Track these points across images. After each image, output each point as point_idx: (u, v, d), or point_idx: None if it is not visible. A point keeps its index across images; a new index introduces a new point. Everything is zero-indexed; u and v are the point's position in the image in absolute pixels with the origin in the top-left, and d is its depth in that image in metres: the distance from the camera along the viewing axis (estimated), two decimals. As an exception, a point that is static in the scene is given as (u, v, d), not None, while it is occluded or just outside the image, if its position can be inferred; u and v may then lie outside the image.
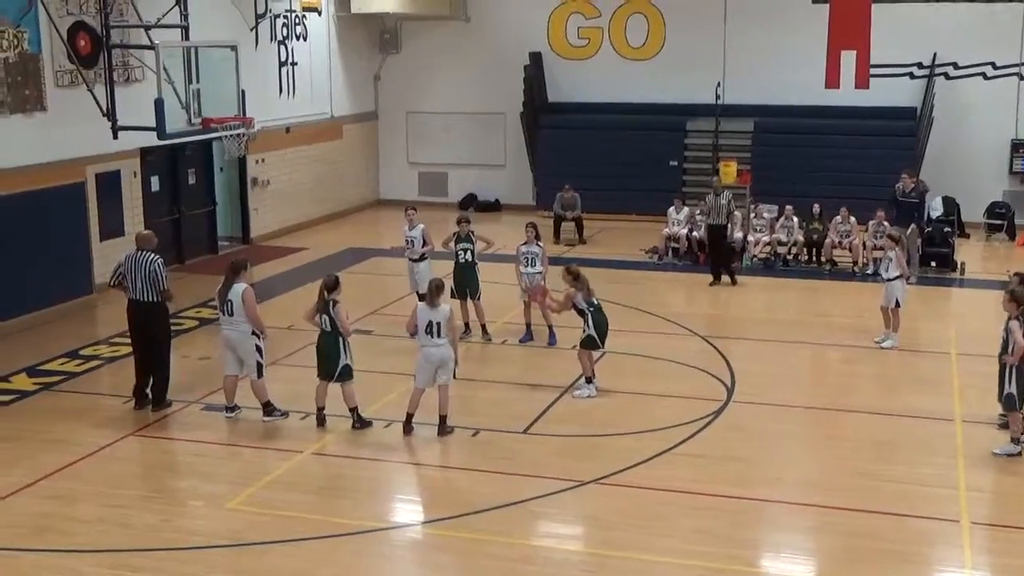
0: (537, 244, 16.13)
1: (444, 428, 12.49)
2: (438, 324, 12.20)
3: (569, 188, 24.32)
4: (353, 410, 12.70)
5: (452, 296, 15.66)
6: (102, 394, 14.23)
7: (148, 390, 13.47)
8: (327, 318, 12.47)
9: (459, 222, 16.46)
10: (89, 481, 11.40)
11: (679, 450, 12.14)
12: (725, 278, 20.02)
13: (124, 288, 13.31)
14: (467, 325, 16.26)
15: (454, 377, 12.52)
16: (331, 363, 12.56)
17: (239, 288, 12.72)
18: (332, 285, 12.55)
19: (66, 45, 17.71)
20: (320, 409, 12.76)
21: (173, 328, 13.73)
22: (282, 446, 12.33)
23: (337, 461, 12.07)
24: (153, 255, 13.24)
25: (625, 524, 10.43)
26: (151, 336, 13.34)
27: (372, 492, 11.39)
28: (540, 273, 15.98)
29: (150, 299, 13.17)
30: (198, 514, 10.70)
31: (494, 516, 10.54)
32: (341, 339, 12.52)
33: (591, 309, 13.84)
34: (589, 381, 13.96)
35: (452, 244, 16.33)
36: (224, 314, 12.79)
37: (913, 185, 21.21)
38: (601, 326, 13.87)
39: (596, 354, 14.25)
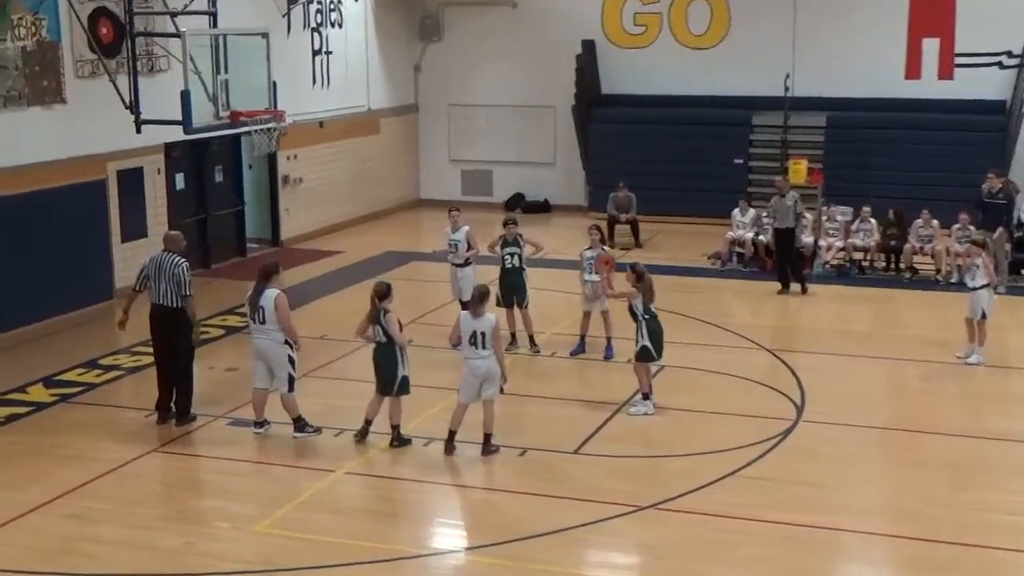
0: (602, 249, 16.13)
1: (489, 447, 12.55)
2: (483, 334, 12.27)
3: (624, 187, 24.32)
4: (395, 427, 12.80)
5: (498, 304, 15.74)
6: (123, 407, 14.43)
7: (172, 403, 13.63)
8: (379, 328, 12.56)
9: (505, 224, 16.52)
10: (110, 500, 11.56)
11: (743, 473, 12.12)
12: (794, 286, 19.94)
13: (148, 292, 13.48)
14: (514, 336, 16.32)
15: (500, 392, 12.58)
16: (389, 376, 12.66)
17: (271, 293, 12.86)
18: (384, 293, 12.64)
19: (87, 33, 17.95)
20: (367, 422, 12.86)
21: (195, 339, 13.85)
22: (314, 464, 12.43)
23: (373, 481, 12.16)
24: (179, 257, 13.40)
25: (684, 553, 10.43)
26: (174, 345, 13.49)
27: (411, 515, 11.48)
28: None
29: (173, 304, 13.32)
30: (224, 537, 10.81)
31: (542, 543, 10.57)
32: (398, 349, 12.62)
33: (646, 316, 13.85)
34: (646, 397, 13.96)
35: (498, 248, 16.39)
36: (255, 322, 12.92)
37: (1001, 185, 21.02)
38: (656, 335, 13.87)
39: (654, 368, 14.26)
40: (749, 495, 11.58)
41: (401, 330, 12.70)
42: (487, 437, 12.56)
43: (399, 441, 12.78)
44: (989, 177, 21.05)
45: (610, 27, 27.79)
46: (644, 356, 13.89)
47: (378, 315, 12.53)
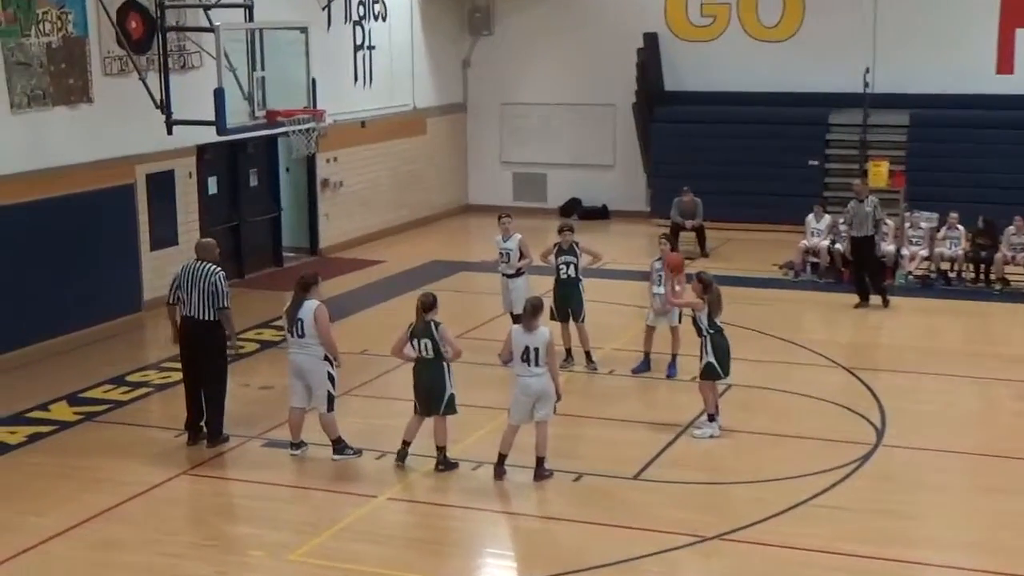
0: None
1: (542, 472, 12.54)
2: (536, 350, 12.27)
3: (689, 192, 24.27)
4: (441, 449, 12.83)
5: (552, 318, 15.74)
6: (152, 426, 14.57)
7: (202, 422, 13.74)
8: (428, 342, 12.58)
9: (561, 231, 16.53)
10: (138, 525, 11.66)
11: (818, 502, 12.03)
12: (874, 299, 19.80)
13: (179, 304, 13.58)
14: (569, 352, 16.32)
15: (554, 412, 12.58)
16: (435, 395, 12.67)
17: (310, 305, 12.93)
18: (430, 304, 12.65)
19: (116, 27, 18.14)
20: (406, 443, 12.90)
21: (232, 353, 13.97)
22: (355, 489, 12.48)
23: (418, 508, 12.20)
24: (214, 266, 13.48)
25: (753, 588, 10.39)
26: (206, 360, 13.58)
27: (458, 544, 11.49)
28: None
29: (206, 317, 13.39)
30: (258, 566, 10.87)
31: (598, 575, 10.53)
32: (445, 365, 12.65)
33: (711, 331, 13.81)
34: (712, 419, 13.91)
35: (552, 257, 16.40)
36: (293, 335, 12.99)
37: None
38: (722, 351, 13.82)
39: (720, 387, 14.21)
40: (823, 526, 11.49)
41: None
42: (540, 461, 12.55)
43: (445, 464, 12.80)
44: None
45: (674, 18, 27.77)
46: (709, 373, 13.85)
47: (428, 328, 12.56)
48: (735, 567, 10.79)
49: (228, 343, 13.66)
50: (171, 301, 13.66)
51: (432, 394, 12.68)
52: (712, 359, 13.76)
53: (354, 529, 11.56)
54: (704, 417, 14.00)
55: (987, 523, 11.81)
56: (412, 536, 11.60)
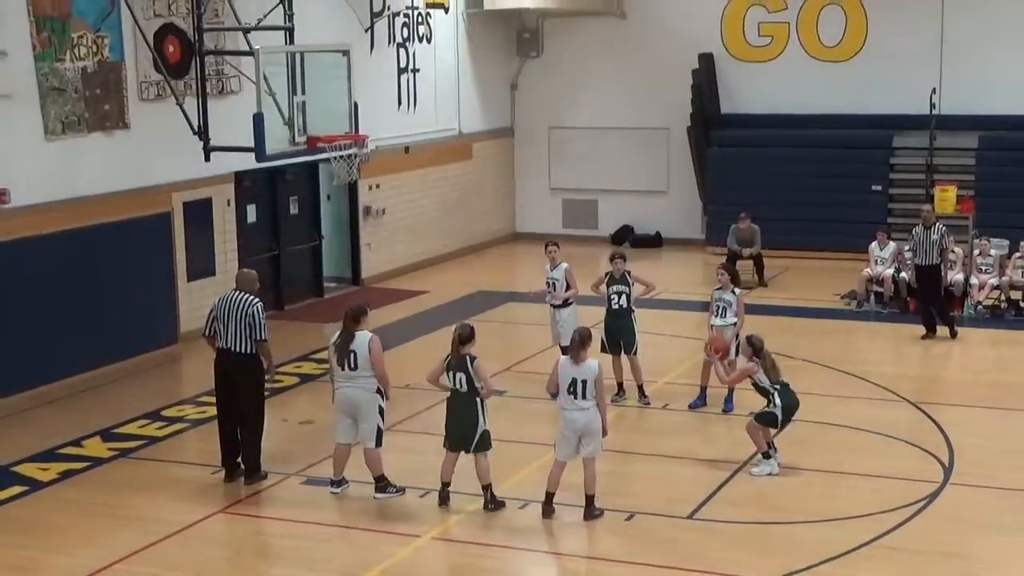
0: (732, 291, 16.02)
1: (592, 511, 12.51)
2: (583, 383, 12.26)
3: (746, 218, 24.21)
4: (486, 488, 12.81)
5: (603, 350, 15.72)
6: (187, 463, 14.65)
7: (239, 459, 13.80)
8: (463, 376, 12.61)
9: (613, 259, 16.53)
10: (172, 566, 11.71)
11: (882, 543, 11.93)
12: (942, 330, 19.64)
13: (216, 335, 13.67)
14: (620, 385, 16.29)
15: (602, 449, 12.54)
16: (467, 431, 12.67)
17: (364, 337, 12.96)
18: (468, 336, 12.71)
19: (152, 52, 18.35)
20: (445, 485, 12.92)
21: (270, 386, 14.03)
22: (398, 529, 12.48)
23: (463, 548, 12.18)
24: (253, 298, 13.58)
25: (814, 634, 10.31)
26: (243, 394, 13.64)
27: (504, 587, 11.49)
28: (733, 325, 15.85)
29: (243, 350, 13.48)
30: (297, 608, 10.92)
31: (652, 620, 10.53)
32: (479, 401, 12.67)
33: (776, 386, 13.81)
34: (768, 457, 13.85)
35: (603, 287, 16.40)
36: (344, 368, 13.01)
37: None
38: (790, 408, 13.82)
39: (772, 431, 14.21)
40: (887, 569, 11.40)
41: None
42: (589, 499, 12.51)
43: (493, 503, 12.78)
44: None
45: (731, 38, 27.78)
46: (766, 420, 13.84)
47: (463, 362, 12.60)
48: (795, 611, 10.73)
49: (266, 375, 13.74)
50: (208, 333, 13.77)
51: (465, 429, 12.68)
52: (779, 412, 13.75)
53: (397, 571, 11.57)
54: (759, 456, 13.93)
55: (1062, 566, 11.69)
56: (457, 577, 11.61)
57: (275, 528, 12.92)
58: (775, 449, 13.88)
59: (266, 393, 13.94)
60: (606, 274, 16.45)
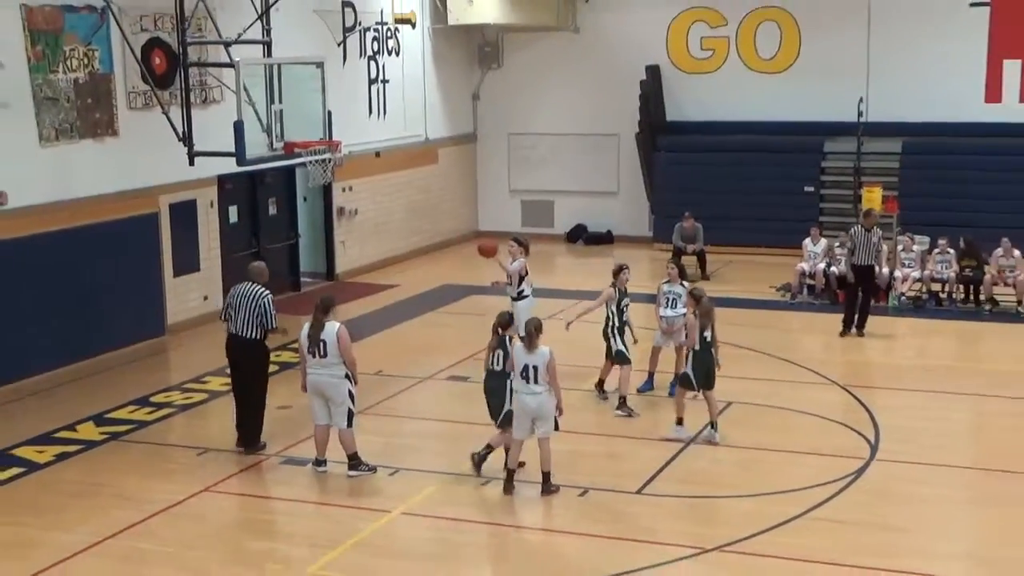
0: (681, 284, 15.99)
1: (548, 487, 12.55)
2: (535, 369, 12.30)
3: (690, 217, 24.28)
4: (516, 468, 12.93)
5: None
6: (175, 445, 14.58)
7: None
8: (501, 354, 12.74)
9: (620, 272, 15.73)
10: (161, 541, 11.67)
11: (815, 515, 12.00)
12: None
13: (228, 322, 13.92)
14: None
15: (555, 429, 12.59)
16: (495, 406, 12.87)
17: (334, 327, 12.99)
18: (507, 322, 12.97)
19: (140, 64, 18.26)
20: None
21: (279, 334, 14.26)
22: (370, 504, 12.48)
23: (430, 522, 12.18)
24: (263, 289, 13.82)
25: (753, 598, 10.36)
26: (250, 374, 13.89)
27: (469, 558, 11.48)
28: (683, 315, 15.82)
29: (250, 335, 13.73)
30: (277, 579, 10.89)
31: (604, 586, 10.54)
32: (509, 382, 12.74)
33: (695, 348, 14.01)
34: (680, 423, 14.21)
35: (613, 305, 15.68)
36: (315, 356, 13.02)
37: None
38: (700, 368, 14.02)
39: (720, 404, 14.28)
40: (819, 538, 11.46)
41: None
42: (545, 476, 12.55)
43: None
44: None
45: (675, 52, 27.83)
46: (683, 382, 14.25)
47: (503, 342, 12.78)
48: (735, 578, 10.78)
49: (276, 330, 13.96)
50: (223, 317, 14.12)
51: (492, 404, 12.88)
52: (689, 370, 14.08)
53: (369, 543, 11.56)
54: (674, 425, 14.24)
55: (979, 535, 11.80)
56: (425, 550, 11.57)
57: (256, 505, 12.88)
58: (715, 427, 14.10)
59: (284, 332, 14.20)
60: (614, 286, 15.59)
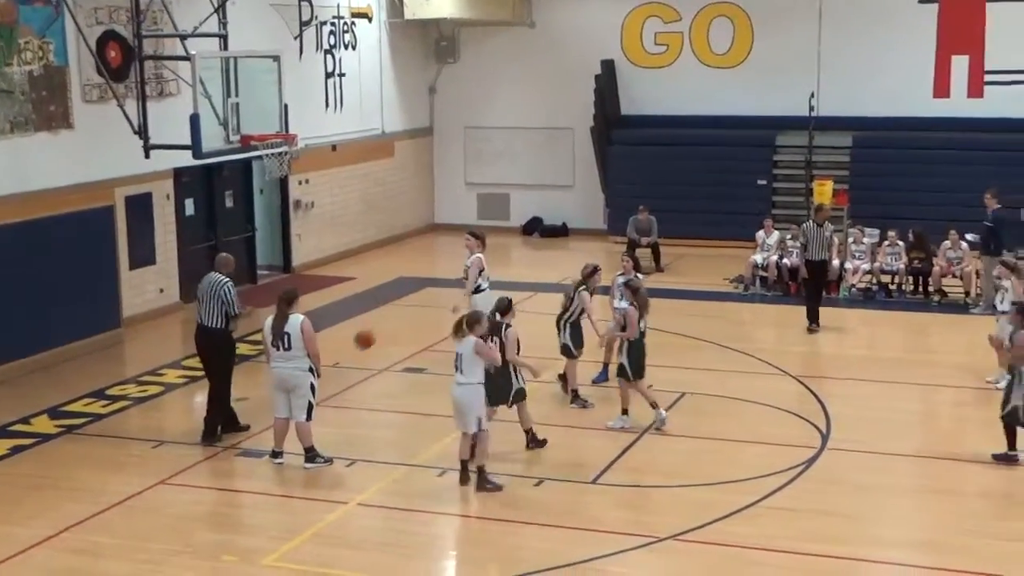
0: (636, 276, 15.98)
1: (483, 483, 12.39)
2: (459, 355, 12.28)
3: (644, 210, 24.34)
4: (527, 431, 13.29)
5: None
6: (130, 438, 14.44)
7: (224, 418, 14.08)
8: (498, 340, 12.74)
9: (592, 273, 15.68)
10: (116, 534, 11.57)
11: (767, 503, 12.05)
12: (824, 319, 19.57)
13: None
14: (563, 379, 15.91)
15: (478, 428, 12.32)
16: (502, 389, 12.91)
17: (297, 320, 12.93)
18: (505, 308, 13.11)
19: (95, 56, 18.07)
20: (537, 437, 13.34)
21: (244, 313, 14.32)
22: (326, 496, 12.43)
23: (386, 513, 12.14)
24: (224, 279, 13.86)
25: (706, 586, 10.38)
26: (214, 363, 13.98)
27: (424, 548, 11.45)
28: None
29: (214, 324, 13.78)
30: (232, 571, 10.79)
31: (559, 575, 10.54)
32: (511, 364, 12.83)
33: (631, 339, 14.09)
34: (625, 413, 14.30)
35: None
36: (278, 349, 12.94)
37: (998, 206, 20.54)
38: (636, 355, 14.11)
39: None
40: (771, 526, 11.51)
41: (519, 351, 13.08)
42: (479, 471, 12.43)
43: (534, 443, 13.35)
44: (986, 197, 20.55)
45: (630, 47, 27.85)
46: (620, 372, 14.31)
47: (499, 328, 12.83)
48: (688, 566, 10.79)
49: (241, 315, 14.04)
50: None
51: (497, 388, 12.86)
52: (624, 360, 14.13)
53: (325, 534, 11.50)
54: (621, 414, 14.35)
55: (928, 522, 11.87)
56: (381, 540, 11.53)
57: (212, 497, 12.81)
58: (662, 419, 14.16)
59: (236, 326, 14.23)
60: (586, 288, 15.38)
